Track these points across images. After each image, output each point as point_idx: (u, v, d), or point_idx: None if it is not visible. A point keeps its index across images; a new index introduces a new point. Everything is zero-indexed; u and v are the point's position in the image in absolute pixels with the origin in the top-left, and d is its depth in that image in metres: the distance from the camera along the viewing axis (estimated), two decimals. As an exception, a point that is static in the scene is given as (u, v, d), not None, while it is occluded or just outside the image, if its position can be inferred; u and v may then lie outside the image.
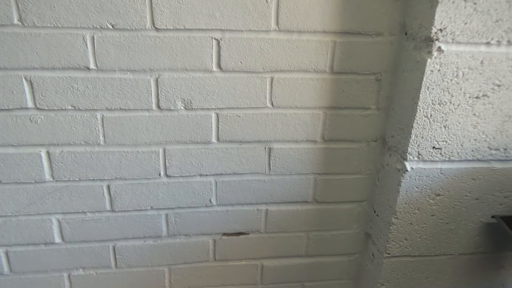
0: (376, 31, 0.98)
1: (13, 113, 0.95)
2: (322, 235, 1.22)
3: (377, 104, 1.06)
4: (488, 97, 0.92)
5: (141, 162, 1.04)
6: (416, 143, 0.95)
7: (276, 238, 1.21)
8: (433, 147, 0.96)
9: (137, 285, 1.20)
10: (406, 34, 0.96)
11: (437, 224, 1.06)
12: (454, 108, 0.92)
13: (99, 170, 1.03)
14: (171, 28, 0.92)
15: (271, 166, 1.10)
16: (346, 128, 1.08)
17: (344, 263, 1.28)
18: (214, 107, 1.01)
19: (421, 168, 0.98)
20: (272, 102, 1.02)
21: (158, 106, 0.99)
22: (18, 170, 1.00)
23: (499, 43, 0.87)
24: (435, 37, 0.85)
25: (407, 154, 0.96)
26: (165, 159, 1.05)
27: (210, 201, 1.12)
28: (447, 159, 0.98)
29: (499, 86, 0.91)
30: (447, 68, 0.88)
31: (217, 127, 1.03)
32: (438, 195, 1.02)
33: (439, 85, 0.89)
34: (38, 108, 0.95)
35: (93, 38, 0.90)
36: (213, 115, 1.02)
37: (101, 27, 0.90)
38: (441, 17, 0.84)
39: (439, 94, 0.90)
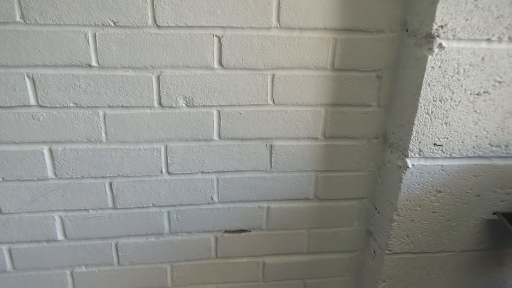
0: (377, 28, 0.98)
1: (16, 111, 0.95)
2: (324, 232, 1.23)
3: (378, 101, 1.06)
4: (489, 93, 0.92)
5: (143, 159, 1.04)
6: (417, 139, 0.95)
7: (278, 235, 1.21)
8: (434, 144, 0.96)
9: (140, 282, 1.20)
10: (407, 30, 0.96)
11: (438, 221, 1.06)
12: (455, 105, 0.92)
13: (101, 167, 1.04)
14: (173, 25, 0.92)
15: (273, 163, 1.10)
16: (347, 125, 1.08)
17: (345, 260, 1.29)
18: (215, 104, 1.01)
19: (422, 165, 0.98)
20: (273, 99, 1.03)
21: (160, 103, 0.99)
22: (20, 167, 1.00)
23: (500, 39, 0.87)
24: (436, 34, 0.85)
25: (408, 151, 0.97)
26: (167, 156, 1.05)
27: (212, 198, 1.13)
28: (448, 155, 0.98)
29: (500, 82, 0.91)
30: (448, 65, 0.88)
31: (219, 124, 1.04)
32: (439, 191, 1.02)
33: (440, 81, 0.89)
34: (40, 106, 0.95)
35: (95, 35, 0.91)
36: (215, 112, 1.02)
37: (103, 24, 0.90)
38: (442, 13, 0.84)
39: (440, 90, 0.90)
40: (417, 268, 1.13)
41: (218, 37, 0.95)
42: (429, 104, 0.92)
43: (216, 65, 0.97)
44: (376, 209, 1.16)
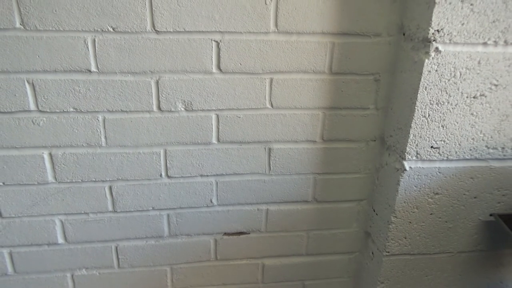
0: (374, 32, 0.99)
1: (16, 116, 0.96)
2: (322, 234, 1.23)
3: (376, 104, 1.07)
4: (486, 96, 0.93)
5: (143, 163, 1.05)
6: (415, 142, 0.96)
7: (277, 237, 1.22)
8: (431, 147, 0.97)
9: (140, 284, 1.21)
10: (404, 35, 0.97)
11: (436, 222, 1.07)
12: (452, 108, 0.93)
13: (101, 171, 1.04)
14: (171, 30, 0.93)
15: (271, 166, 1.11)
16: (345, 128, 1.09)
17: (344, 262, 1.29)
18: (214, 108, 1.02)
19: (419, 167, 0.99)
20: (271, 103, 1.03)
21: (159, 108, 1.00)
22: (21, 172, 1.01)
23: (496, 43, 0.88)
24: (432, 38, 0.86)
25: (405, 153, 0.97)
26: (166, 160, 1.06)
27: (211, 201, 1.13)
28: (445, 158, 0.99)
29: (496, 85, 0.92)
30: (445, 68, 0.89)
31: (218, 128, 1.04)
32: (437, 194, 1.03)
33: (436, 85, 0.90)
34: (41, 111, 0.96)
35: (94, 41, 0.91)
36: (214, 116, 1.03)
37: (102, 30, 0.91)
38: (438, 18, 0.84)
39: (437, 94, 0.91)
40: (415, 270, 1.14)
41: (217, 42, 0.95)
42: (426, 107, 0.93)
43: (214, 69, 0.98)
44: (374, 211, 1.16)
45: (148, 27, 0.92)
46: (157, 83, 0.97)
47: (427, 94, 0.91)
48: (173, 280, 1.23)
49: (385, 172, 1.08)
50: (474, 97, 0.92)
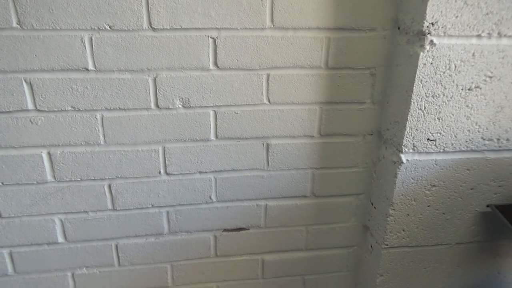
0: (370, 26, 0.99)
1: (14, 115, 0.96)
2: (321, 229, 1.24)
3: (372, 98, 1.07)
4: (480, 88, 0.94)
5: (141, 160, 1.05)
6: (411, 135, 0.97)
7: (276, 232, 1.22)
8: (428, 139, 0.98)
9: (140, 282, 1.22)
10: (399, 28, 0.98)
11: (434, 214, 1.08)
12: (447, 100, 0.94)
13: (100, 169, 1.05)
14: (168, 28, 0.93)
15: (270, 162, 1.12)
16: (342, 123, 1.09)
17: (343, 256, 1.30)
18: (212, 105, 1.02)
19: (416, 160, 1.00)
20: (269, 99, 1.04)
21: (157, 105, 1.00)
22: (20, 171, 1.01)
23: (489, 35, 0.89)
24: (427, 31, 0.87)
25: (402, 146, 0.98)
26: (164, 157, 1.06)
27: (210, 198, 1.14)
28: (441, 150, 1.00)
29: (490, 77, 0.93)
30: (440, 61, 0.90)
31: (215, 124, 1.05)
32: (434, 186, 1.04)
33: (432, 78, 0.91)
34: (38, 110, 0.96)
35: (91, 39, 0.92)
36: (211, 113, 1.03)
37: (99, 29, 0.91)
38: (433, 11, 0.85)
39: (432, 86, 0.92)
40: (413, 262, 1.15)
41: (213, 38, 0.96)
42: (421, 100, 0.93)
43: (211, 66, 0.98)
44: (372, 204, 1.17)
45: (145, 24, 0.92)
46: (154, 80, 0.98)
47: (422, 87, 0.92)
48: (173, 277, 1.24)
49: (382, 165, 1.09)
50: (469, 89, 0.93)
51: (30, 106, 0.95)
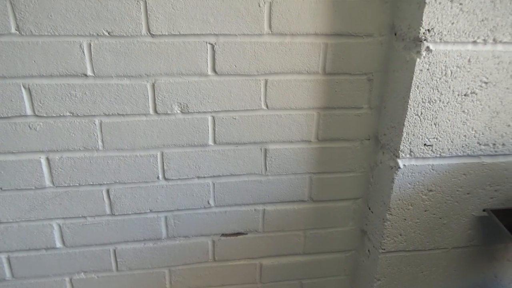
0: (366, 32, 1.00)
1: (12, 121, 0.96)
2: (319, 233, 1.25)
3: (369, 103, 1.08)
4: (476, 94, 0.94)
5: (140, 166, 1.06)
6: (408, 140, 0.98)
7: (274, 237, 1.23)
8: (425, 144, 0.99)
9: (138, 287, 1.22)
10: (395, 34, 0.99)
11: (430, 219, 1.08)
12: (444, 106, 0.95)
13: (98, 174, 1.05)
14: (166, 34, 0.94)
15: (267, 167, 1.12)
16: (340, 128, 1.10)
17: (341, 260, 1.31)
18: (210, 110, 1.03)
19: (413, 165, 1.01)
20: (266, 104, 1.04)
21: (155, 111, 1.01)
22: (18, 176, 1.01)
23: (485, 41, 0.90)
24: (423, 37, 0.88)
25: (399, 151, 0.99)
26: (163, 163, 1.07)
27: (208, 203, 1.14)
28: (438, 155, 1.00)
29: (486, 83, 0.94)
30: (436, 67, 0.91)
31: (214, 129, 1.05)
32: (431, 190, 1.04)
33: (428, 83, 0.92)
34: (37, 115, 0.96)
35: (90, 45, 0.92)
36: (210, 118, 1.04)
37: (97, 35, 0.91)
38: (429, 17, 0.86)
39: (428, 92, 0.93)
40: (411, 266, 1.15)
41: (211, 44, 0.96)
42: (418, 105, 0.94)
43: (210, 72, 0.99)
44: (369, 209, 1.18)
45: (144, 30, 0.93)
46: (153, 86, 0.98)
47: (419, 93, 0.93)
48: (171, 282, 1.24)
49: (379, 170, 1.10)
50: (465, 95, 0.94)
51: (29, 111, 0.96)
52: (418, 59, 0.90)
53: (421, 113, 0.95)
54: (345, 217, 1.24)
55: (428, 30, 0.87)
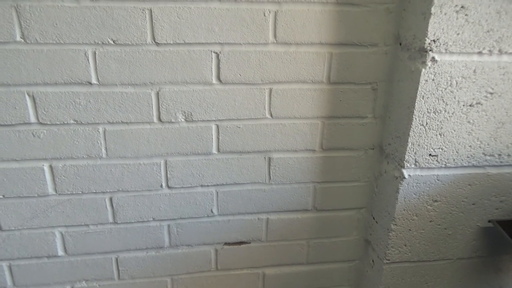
0: (371, 42, 1.00)
1: (16, 128, 0.96)
2: (323, 243, 1.24)
3: (374, 113, 1.08)
4: (482, 104, 0.94)
5: (143, 174, 1.05)
6: (413, 150, 0.97)
7: (277, 246, 1.22)
8: (430, 154, 0.98)
9: (140, 296, 1.21)
10: (400, 44, 0.99)
11: (435, 229, 1.07)
12: (449, 116, 0.94)
13: (102, 182, 1.04)
14: (171, 42, 0.94)
15: (271, 176, 1.12)
16: (344, 137, 1.10)
17: (344, 270, 1.30)
18: (214, 119, 1.03)
19: (418, 175, 1.00)
20: (271, 113, 1.04)
21: (159, 119, 1.00)
22: (21, 184, 1.01)
23: (490, 52, 0.90)
24: (428, 48, 0.88)
25: (404, 161, 0.98)
26: (166, 171, 1.06)
27: (212, 211, 1.14)
28: (443, 165, 1.00)
29: (491, 94, 0.93)
30: (441, 77, 0.90)
31: (218, 138, 1.05)
32: (436, 201, 1.04)
33: (433, 94, 0.92)
34: (41, 123, 0.96)
35: (94, 53, 0.92)
36: (214, 127, 1.04)
37: (102, 43, 0.91)
38: (434, 28, 0.86)
39: (434, 102, 0.93)
40: (415, 277, 1.14)
41: (216, 53, 0.96)
42: (423, 115, 0.94)
43: (214, 80, 0.99)
44: (374, 219, 1.17)
45: (149, 39, 0.93)
46: (157, 94, 0.98)
47: (424, 103, 0.93)
48: (173, 291, 1.23)
49: (384, 180, 1.09)
50: (470, 105, 0.94)
51: (33, 119, 0.96)
52: (423, 69, 0.89)
53: (426, 123, 0.95)
54: (349, 226, 1.23)
55: (434, 40, 0.87)
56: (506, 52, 0.90)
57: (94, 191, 1.05)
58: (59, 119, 0.97)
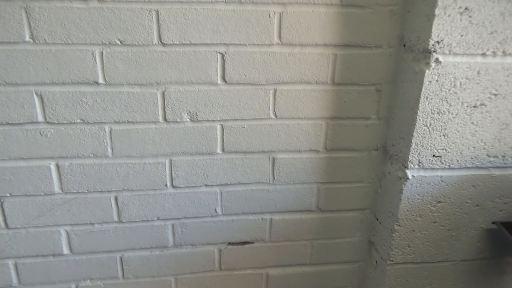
0: (376, 43, 1.01)
1: (24, 127, 0.97)
2: (326, 243, 1.24)
3: (378, 113, 1.08)
4: (486, 106, 0.94)
5: (148, 173, 1.06)
6: (417, 151, 0.98)
7: (281, 246, 1.22)
8: (433, 155, 0.98)
9: (144, 295, 1.21)
10: (404, 46, 0.99)
11: (439, 230, 1.07)
12: (453, 117, 0.95)
13: (107, 181, 1.05)
14: (178, 43, 0.95)
15: (275, 176, 1.12)
16: (348, 138, 1.10)
17: (348, 271, 1.30)
18: (219, 119, 1.03)
19: (422, 176, 1.00)
20: (275, 113, 1.05)
21: (165, 119, 1.01)
22: (28, 183, 1.02)
23: (494, 54, 0.90)
24: (432, 49, 0.88)
25: (408, 162, 0.99)
26: (171, 170, 1.07)
27: (216, 211, 1.14)
28: (447, 166, 1.00)
29: (495, 95, 0.94)
30: (445, 79, 0.91)
31: (222, 138, 1.06)
32: (439, 202, 1.04)
33: (437, 95, 0.92)
34: (48, 122, 0.98)
35: (102, 53, 0.93)
36: (218, 127, 1.04)
37: (109, 43, 0.93)
38: (438, 29, 0.87)
39: (437, 103, 0.93)
40: (418, 278, 1.14)
41: (222, 54, 0.97)
42: (427, 116, 0.94)
43: (219, 81, 1.00)
44: (377, 219, 1.17)
45: (155, 40, 0.94)
46: (163, 94, 0.99)
47: (428, 104, 0.93)
48: (177, 291, 1.23)
49: (387, 181, 1.10)
50: (474, 107, 0.94)
51: (40, 118, 0.97)
52: (427, 71, 0.90)
53: (430, 124, 0.95)
54: (353, 227, 1.23)
55: (438, 42, 0.88)
56: (510, 54, 0.91)
57: (100, 190, 1.06)
58: (66, 118, 0.98)
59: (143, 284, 1.20)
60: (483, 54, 0.90)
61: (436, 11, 0.85)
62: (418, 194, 1.02)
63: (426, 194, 1.02)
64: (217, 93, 1.01)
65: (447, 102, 0.93)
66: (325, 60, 1.01)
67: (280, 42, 0.98)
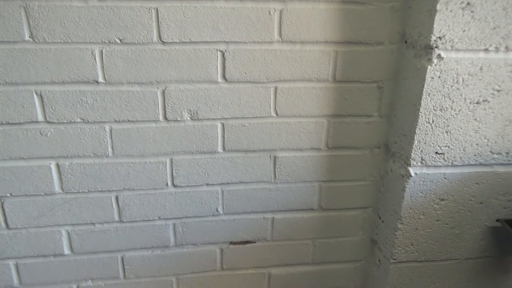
0: (377, 40, 1.00)
1: (24, 127, 0.97)
2: (328, 242, 1.23)
3: (380, 111, 1.08)
4: (488, 102, 0.93)
5: (149, 172, 1.06)
6: (419, 148, 0.97)
7: (283, 246, 1.22)
8: (436, 152, 0.98)
9: (146, 295, 1.21)
10: (406, 42, 0.98)
11: (442, 228, 1.06)
12: (456, 114, 0.94)
13: (108, 181, 1.05)
14: (177, 41, 0.94)
15: (277, 174, 1.11)
16: (350, 136, 1.09)
17: (350, 270, 1.29)
18: (219, 117, 1.03)
19: (424, 173, 0.99)
20: (276, 111, 1.04)
21: (165, 117, 1.01)
22: (28, 182, 1.02)
23: (497, 49, 0.89)
24: (434, 45, 0.88)
25: (410, 159, 0.98)
26: (172, 169, 1.06)
27: (217, 210, 1.14)
28: (450, 164, 0.99)
29: (498, 91, 0.93)
30: (447, 75, 0.90)
31: (223, 136, 1.05)
32: (443, 199, 1.03)
33: (440, 91, 0.91)
34: (48, 122, 0.97)
35: (101, 52, 0.93)
36: (219, 125, 1.04)
37: (109, 42, 0.92)
38: (440, 25, 0.86)
39: (440, 100, 0.92)
40: (422, 277, 1.13)
41: (222, 51, 0.97)
42: (429, 113, 0.93)
43: (220, 79, 0.99)
44: (380, 218, 1.16)
45: (155, 38, 0.93)
46: (163, 93, 0.98)
47: (430, 100, 0.92)
48: (179, 291, 1.23)
49: (390, 178, 1.09)
50: (477, 103, 0.93)
51: (40, 118, 0.96)
52: (429, 67, 0.89)
53: (433, 121, 0.94)
54: (355, 226, 1.22)
55: (439, 37, 0.87)
56: (512, 49, 0.90)
57: (100, 190, 1.06)
58: (66, 117, 0.97)
59: (144, 284, 1.19)
60: (486, 50, 0.89)
61: (438, 7, 0.84)
62: (421, 192, 1.01)
63: (429, 191, 1.01)
64: (218, 91, 1.00)
65: (450, 99, 0.92)
66: (326, 57, 1.00)
67: (280, 39, 0.97)
